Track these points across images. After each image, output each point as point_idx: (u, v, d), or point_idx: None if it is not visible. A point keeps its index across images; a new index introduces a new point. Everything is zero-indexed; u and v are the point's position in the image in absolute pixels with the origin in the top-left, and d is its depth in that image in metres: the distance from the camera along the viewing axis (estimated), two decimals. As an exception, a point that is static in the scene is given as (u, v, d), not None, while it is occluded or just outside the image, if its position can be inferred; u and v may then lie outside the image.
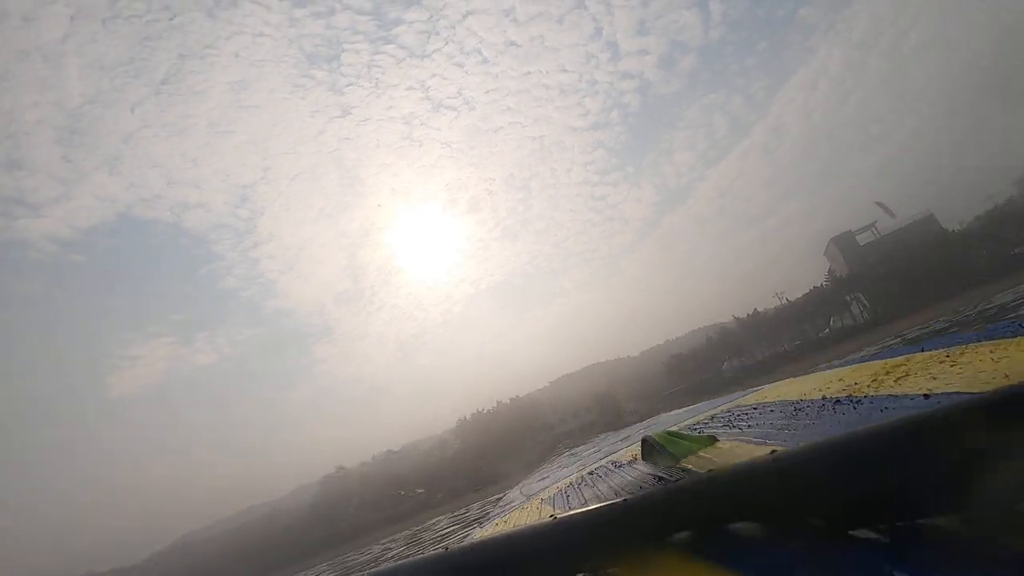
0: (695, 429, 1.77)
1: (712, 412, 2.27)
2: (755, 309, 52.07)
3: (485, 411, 79.52)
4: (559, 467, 3.10)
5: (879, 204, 55.52)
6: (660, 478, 1.24)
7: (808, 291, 49.69)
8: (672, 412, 3.98)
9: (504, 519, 2.07)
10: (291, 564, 71.92)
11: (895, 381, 1.21)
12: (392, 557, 16.43)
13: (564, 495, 1.90)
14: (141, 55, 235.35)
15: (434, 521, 30.09)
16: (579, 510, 0.74)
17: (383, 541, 30.54)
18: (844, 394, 1.29)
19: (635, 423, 6.25)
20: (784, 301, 51.37)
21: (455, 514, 24.24)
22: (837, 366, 1.99)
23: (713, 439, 1.32)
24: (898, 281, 42.61)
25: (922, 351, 1.38)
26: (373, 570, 1.98)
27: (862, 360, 1.78)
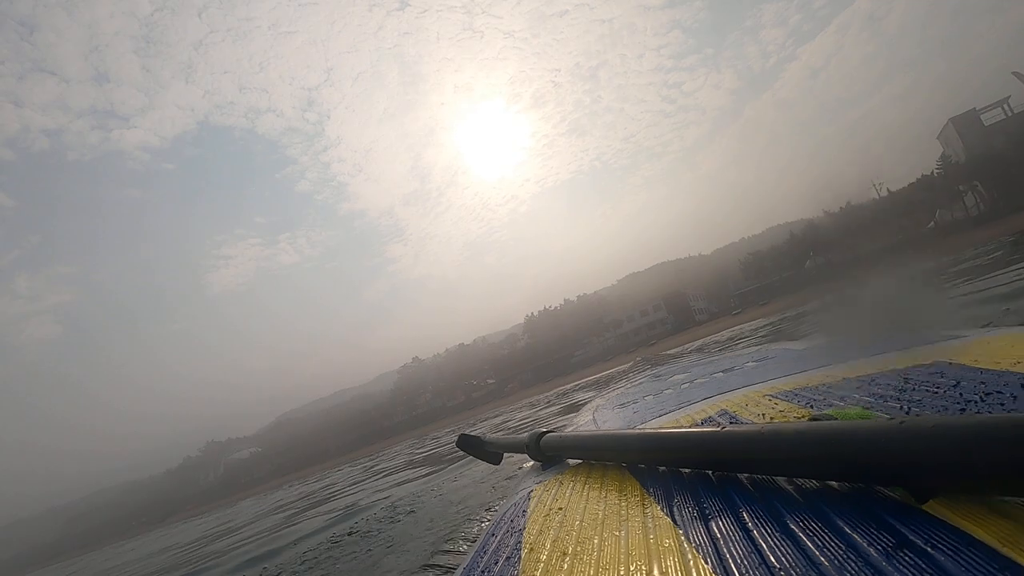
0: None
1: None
2: (848, 202, 47.59)
3: (553, 308, 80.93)
4: (643, 393, 1.73)
5: (1017, 75, 46.92)
6: None
7: (915, 181, 44.38)
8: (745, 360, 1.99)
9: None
10: (377, 439, 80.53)
11: None
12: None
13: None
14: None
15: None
16: None
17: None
18: None
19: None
20: (885, 191, 46.43)
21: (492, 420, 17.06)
22: None
23: None
24: (1030, 166, 36.91)
25: None
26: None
27: None
